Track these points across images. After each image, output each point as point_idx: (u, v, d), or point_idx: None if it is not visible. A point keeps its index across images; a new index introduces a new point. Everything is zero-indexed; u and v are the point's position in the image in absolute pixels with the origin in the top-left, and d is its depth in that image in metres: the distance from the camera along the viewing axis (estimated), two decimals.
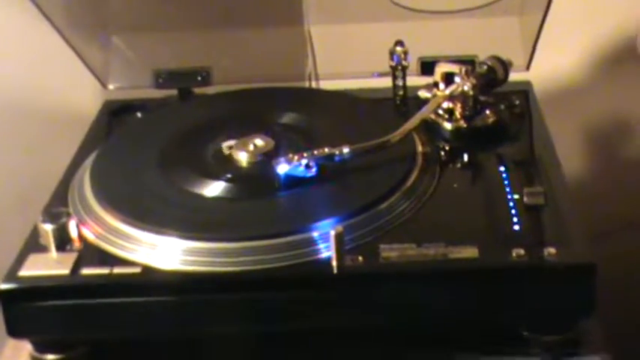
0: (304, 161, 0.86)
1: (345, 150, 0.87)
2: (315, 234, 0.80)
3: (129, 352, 0.84)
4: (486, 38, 1.05)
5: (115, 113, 1.08)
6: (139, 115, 1.07)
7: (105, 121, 1.07)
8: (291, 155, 0.87)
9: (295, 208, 0.85)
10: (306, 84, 1.12)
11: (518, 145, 0.95)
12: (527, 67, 1.05)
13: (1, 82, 1.18)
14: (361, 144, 0.88)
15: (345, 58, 1.11)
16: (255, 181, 0.89)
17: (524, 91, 1.05)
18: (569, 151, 1.04)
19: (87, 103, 1.13)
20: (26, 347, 0.83)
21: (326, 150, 0.87)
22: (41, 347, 0.83)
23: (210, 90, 1.10)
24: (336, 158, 0.87)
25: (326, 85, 1.12)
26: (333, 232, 0.78)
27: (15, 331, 0.81)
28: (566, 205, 0.84)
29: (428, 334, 0.81)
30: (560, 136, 0.98)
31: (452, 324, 0.80)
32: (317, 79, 1.12)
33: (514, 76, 1.02)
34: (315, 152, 0.87)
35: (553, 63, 1.16)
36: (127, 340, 0.82)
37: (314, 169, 0.86)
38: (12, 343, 0.84)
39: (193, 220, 0.84)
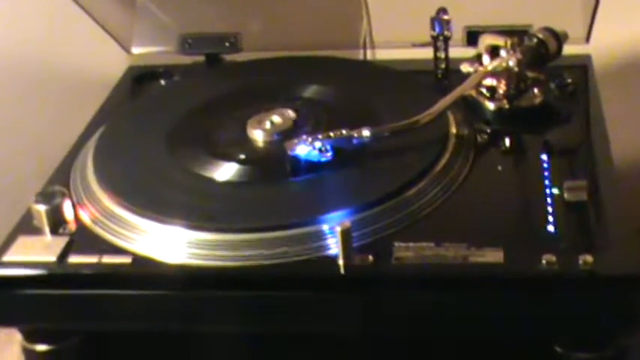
0: (318, 144, 0.78)
1: (366, 133, 0.78)
2: (324, 227, 0.72)
3: (122, 343, 0.79)
4: (542, 6, 0.94)
5: (137, 80, 1.01)
6: (162, 82, 1.00)
7: (126, 88, 1.01)
8: (305, 137, 0.79)
9: (304, 197, 0.77)
10: (360, 53, 1.02)
11: (566, 131, 0.84)
12: (587, 40, 0.94)
13: (20, 46, 1.13)
14: (384, 126, 0.79)
15: (400, 24, 1.01)
16: (267, 165, 0.81)
17: (583, 66, 0.94)
18: (629, 137, 0.92)
19: (113, 68, 1.06)
20: (18, 337, 0.79)
21: (344, 132, 0.78)
22: (31, 337, 0.78)
23: (240, 57, 1.02)
24: (355, 141, 0.78)
25: (381, 54, 1.02)
26: (339, 229, 0.70)
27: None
28: (612, 203, 0.73)
29: (444, 348, 0.73)
30: (619, 119, 0.87)
31: (471, 337, 0.71)
32: (373, 47, 1.03)
33: (573, 49, 0.91)
34: (332, 134, 0.78)
35: (615, 34, 1.04)
36: (117, 331, 0.76)
37: (329, 153, 0.78)
38: (4, 333, 0.80)
39: (191, 208, 0.76)
